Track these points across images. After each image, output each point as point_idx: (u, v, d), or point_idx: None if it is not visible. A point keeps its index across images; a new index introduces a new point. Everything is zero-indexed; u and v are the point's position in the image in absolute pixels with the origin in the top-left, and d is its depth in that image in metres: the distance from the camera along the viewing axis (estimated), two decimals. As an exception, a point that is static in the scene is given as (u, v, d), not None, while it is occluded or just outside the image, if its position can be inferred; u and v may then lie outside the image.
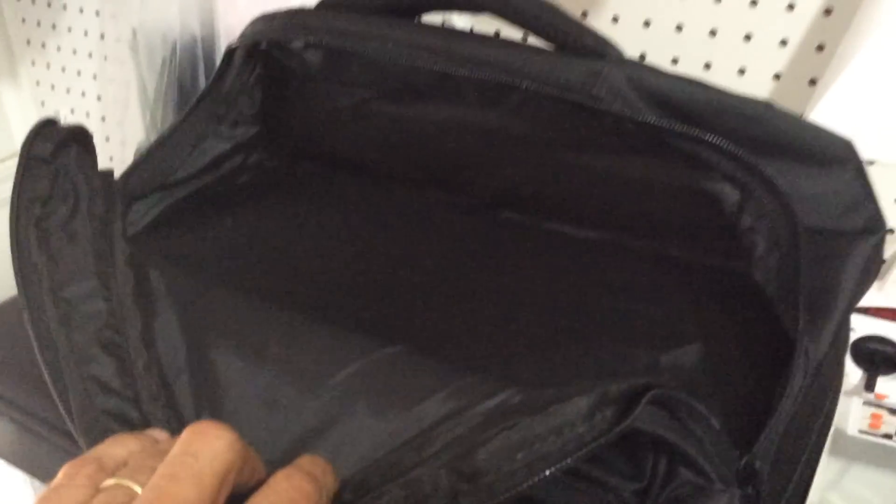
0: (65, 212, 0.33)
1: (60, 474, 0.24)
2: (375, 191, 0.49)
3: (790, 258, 0.32)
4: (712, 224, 0.36)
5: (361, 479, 0.26)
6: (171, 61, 0.72)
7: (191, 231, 0.46)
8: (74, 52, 0.97)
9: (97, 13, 0.92)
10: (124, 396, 0.29)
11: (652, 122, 0.34)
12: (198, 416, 0.31)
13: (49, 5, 0.95)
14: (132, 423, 0.29)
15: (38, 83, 1.03)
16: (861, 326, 0.56)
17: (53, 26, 0.97)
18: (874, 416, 0.60)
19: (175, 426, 0.30)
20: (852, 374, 0.57)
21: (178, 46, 0.71)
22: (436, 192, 0.48)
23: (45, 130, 0.35)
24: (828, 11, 0.57)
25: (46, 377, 0.30)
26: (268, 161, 0.52)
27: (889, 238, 0.37)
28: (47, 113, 1.05)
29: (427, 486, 0.22)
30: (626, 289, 0.39)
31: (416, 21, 0.44)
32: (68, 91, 1.01)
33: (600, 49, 0.36)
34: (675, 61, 0.65)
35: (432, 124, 0.45)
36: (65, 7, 0.94)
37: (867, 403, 0.60)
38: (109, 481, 0.23)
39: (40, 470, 0.34)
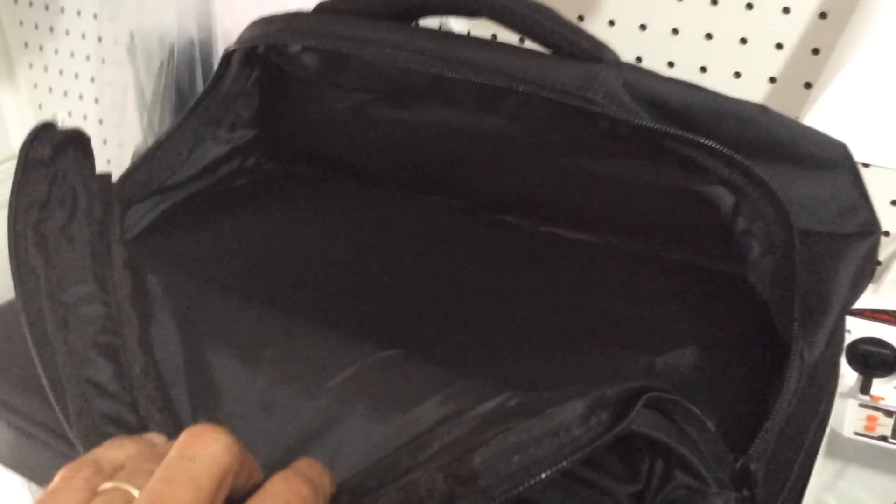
0: (63, 215, 0.33)
1: (57, 478, 0.24)
2: (372, 194, 0.49)
3: (785, 261, 0.32)
4: (708, 227, 0.37)
5: (358, 482, 0.26)
6: (168, 64, 0.72)
7: (188, 234, 0.46)
8: (72, 54, 0.97)
9: (95, 16, 0.92)
10: (122, 400, 0.30)
11: (647, 125, 0.34)
12: (195, 419, 0.31)
13: (47, 8, 0.95)
14: (129, 427, 0.29)
15: (35, 86, 1.03)
16: (856, 329, 0.56)
17: (51, 29, 0.97)
18: (870, 418, 0.60)
19: (172, 429, 0.30)
20: (848, 376, 0.58)
21: (175, 49, 0.72)
22: (432, 195, 0.48)
23: (44, 134, 0.35)
24: (823, 15, 0.57)
25: (44, 381, 0.30)
26: (265, 164, 0.52)
27: (884, 240, 0.37)
28: (45, 116, 1.05)
29: (423, 489, 0.22)
30: (622, 291, 0.39)
31: (413, 25, 0.44)
32: (66, 94, 1.01)
33: (596, 53, 0.36)
34: (671, 65, 0.65)
35: (429, 128, 0.45)
36: (62, 10, 0.94)
37: (863, 405, 0.60)
38: (107, 485, 0.23)
39: (37, 474, 0.34)
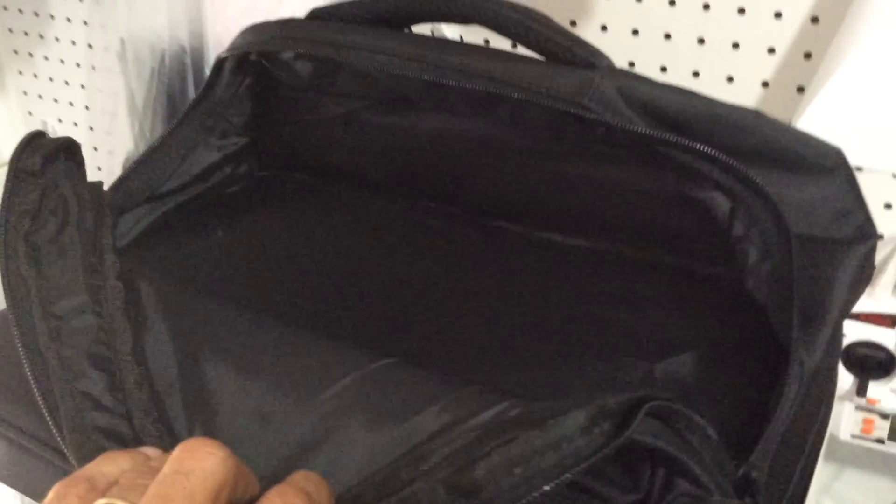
0: (54, 225, 0.33)
1: (51, 494, 0.23)
2: (366, 201, 0.49)
3: (782, 267, 0.32)
4: (704, 233, 0.36)
5: (357, 494, 0.25)
6: (159, 71, 0.72)
7: (180, 243, 0.45)
8: (62, 62, 0.96)
9: (85, 23, 0.91)
10: (116, 412, 0.29)
11: (642, 131, 0.34)
12: (190, 431, 0.31)
13: (36, 15, 0.95)
14: (124, 440, 0.29)
15: (25, 93, 1.03)
16: (852, 332, 0.56)
17: (41, 36, 0.96)
18: (866, 421, 0.60)
19: (167, 442, 0.30)
20: (844, 379, 0.58)
21: (166, 56, 0.71)
22: (426, 201, 0.48)
23: (34, 143, 0.34)
24: (815, 19, 0.57)
25: (36, 394, 0.29)
26: (257, 172, 0.52)
27: (878, 244, 0.37)
28: (35, 123, 1.05)
29: (424, 501, 0.22)
30: (618, 298, 0.39)
31: (406, 32, 0.44)
32: (56, 101, 1.01)
33: (590, 59, 0.36)
34: (663, 69, 0.65)
35: (423, 134, 0.45)
36: (52, 17, 0.94)
37: (859, 408, 0.60)
38: (101, 501, 0.23)
39: (31, 488, 0.34)
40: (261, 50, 0.43)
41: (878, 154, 0.50)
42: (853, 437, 0.61)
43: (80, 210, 0.34)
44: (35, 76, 1.00)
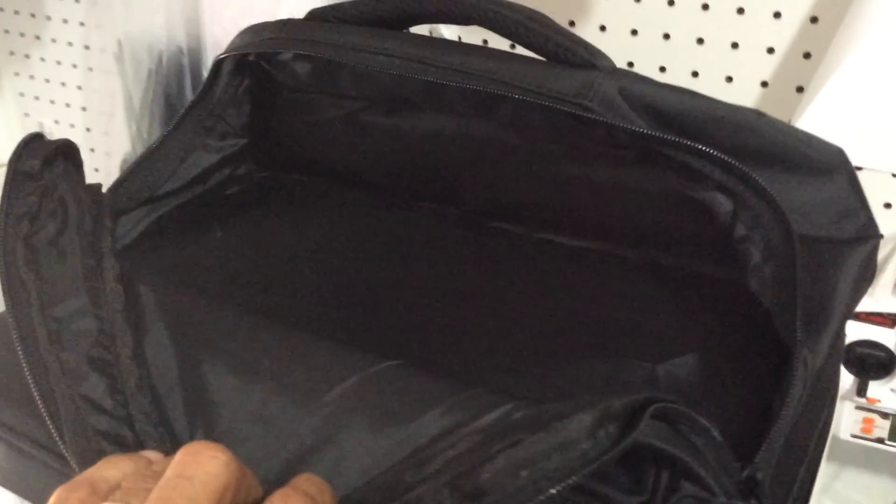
0: (53, 228, 0.33)
1: (53, 499, 0.23)
2: (366, 202, 0.49)
3: (786, 268, 0.32)
4: (706, 234, 0.36)
5: (360, 498, 0.25)
6: (157, 72, 0.72)
7: (179, 245, 0.45)
8: (59, 62, 0.96)
9: (81, 24, 0.91)
10: (117, 416, 0.29)
11: (644, 132, 0.34)
12: (191, 434, 0.30)
13: (33, 16, 0.94)
14: (125, 443, 0.28)
15: (21, 94, 1.02)
16: (852, 331, 0.56)
17: (37, 37, 0.96)
18: (866, 421, 0.60)
19: (168, 445, 0.29)
20: (844, 378, 0.58)
21: (164, 57, 0.71)
22: (426, 203, 0.47)
23: (33, 145, 0.34)
24: (814, 19, 0.57)
25: (37, 397, 0.29)
26: (256, 173, 0.52)
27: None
28: (31, 124, 1.05)
29: (429, 505, 0.22)
30: (620, 299, 0.39)
31: (405, 32, 0.44)
32: (52, 102, 1.00)
33: (591, 59, 0.36)
34: (662, 69, 0.65)
35: (423, 135, 0.45)
36: (49, 18, 0.93)
37: (859, 408, 0.60)
38: (103, 506, 0.23)
39: (31, 492, 0.34)
40: (260, 51, 0.43)
41: (877, 154, 0.50)
42: (853, 436, 0.61)
43: (79, 212, 0.34)
44: (31, 77, 1.00)
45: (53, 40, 0.95)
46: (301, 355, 0.34)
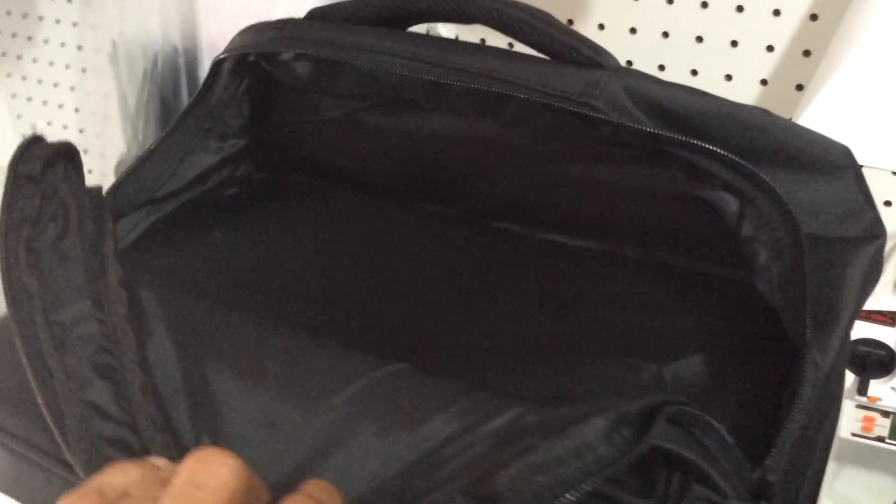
0: (54, 231, 0.32)
1: (60, 507, 0.23)
2: (367, 203, 0.48)
3: (794, 268, 0.32)
4: (712, 233, 0.36)
5: (372, 503, 0.25)
6: (152, 73, 0.71)
7: (180, 246, 0.45)
8: (51, 63, 0.95)
9: (74, 24, 0.90)
10: (122, 422, 0.29)
11: (650, 131, 0.34)
12: (197, 440, 0.30)
13: (25, 17, 0.94)
14: (131, 450, 0.28)
15: (14, 96, 1.02)
16: (852, 330, 0.56)
17: (29, 38, 0.95)
18: (867, 419, 0.60)
19: (174, 451, 0.29)
20: (844, 377, 0.58)
21: (159, 58, 0.70)
22: (429, 204, 0.47)
23: (33, 148, 0.34)
24: (814, 17, 0.57)
25: (41, 404, 0.29)
26: (256, 174, 0.51)
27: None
28: (24, 126, 1.04)
29: (443, 511, 0.22)
30: (626, 300, 0.39)
31: (406, 31, 0.43)
32: (45, 103, 0.99)
33: (597, 58, 0.36)
34: (661, 68, 0.65)
35: (425, 135, 0.45)
36: (41, 18, 0.92)
37: (860, 406, 0.60)
38: (112, 513, 0.23)
39: (34, 499, 0.33)
40: (260, 51, 0.42)
41: (878, 152, 0.50)
42: (853, 435, 0.61)
43: (80, 215, 0.33)
44: (24, 79, 0.99)
45: (46, 41, 0.94)
46: (306, 359, 0.33)
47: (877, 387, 0.58)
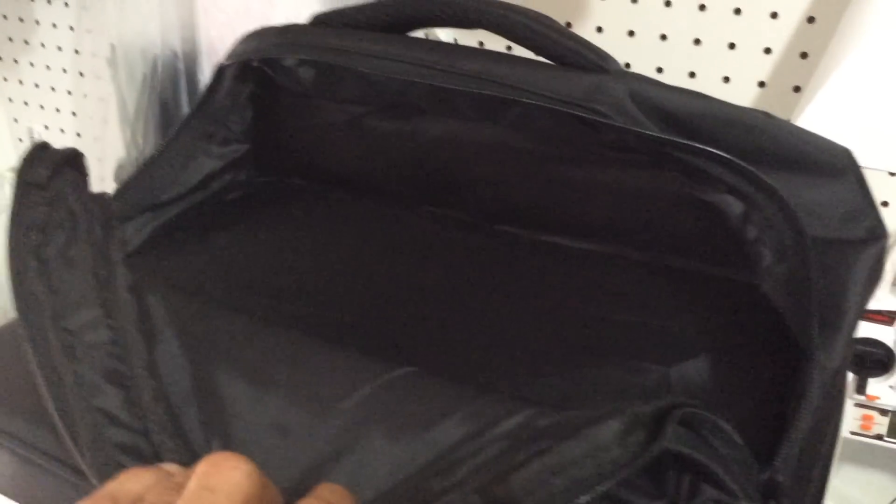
0: (62, 238, 0.32)
1: (77, 514, 0.23)
2: (369, 207, 0.48)
3: (799, 270, 0.32)
4: (716, 236, 0.36)
5: (386, 506, 0.25)
6: (151, 77, 0.71)
7: (183, 251, 0.45)
8: (48, 67, 0.95)
9: (71, 28, 0.90)
10: (133, 428, 0.29)
11: (655, 135, 0.34)
12: (208, 445, 0.30)
13: (21, 21, 0.93)
14: (143, 456, 0.28)
15: (10, 100, 1.02)
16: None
17: (26, 42, 0.95)
18: (865, 418, 0.61)
19: (186, 457, 0.29)
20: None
21: (158, 62, 0.71)
22: (432, 207, 0.47)
23: (40, 155, 0.34)
24: (811, 19, 0.58)
25: (53, 411, 0.29)
26: (258, 178, 0.51)
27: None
28: (20, 130, 1.04)
29: (459, 514, 0.22)
30: (631, 302, 0.39)
31: (409, 37, 0.44)
32: (42, 107, 0.99)
33: (600, 63, 0.36)
34: (659, 70, 0.65)
35: (428, 139, 0.45)
36: (38, 23, 0.92)
37: (858, 405, 0.61)
38: (127, 519, 0.23)
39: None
40: (264, 56, 0.43)
41: (876, 153, 0.51)
42: (852, 433, 0.62)
43: (88, 222, 0.33)
44: (20, 83, 0.99)
45: (42, 45, 0.94)
46: (314, 363, 0.34)
47: (875, 385, 0.58)
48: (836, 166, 0.35)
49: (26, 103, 1.00)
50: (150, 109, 0.72)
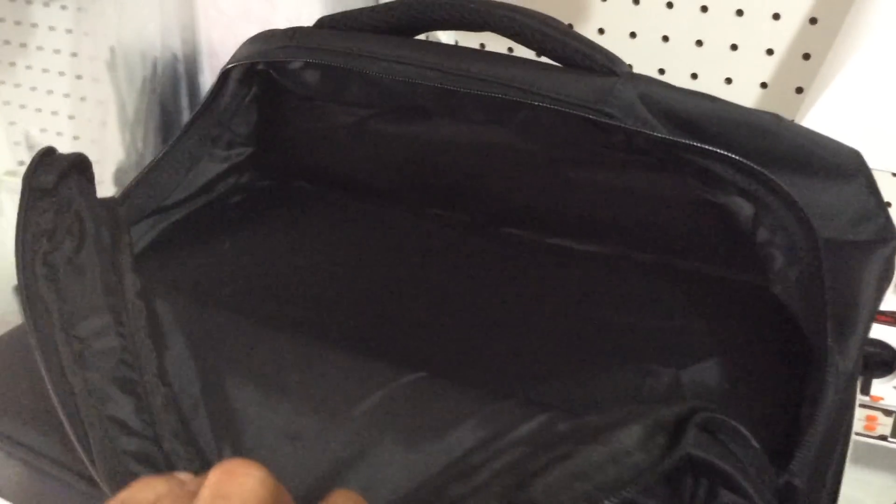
0: (71, 244, 0.32)
1: (92, 524, 0.23)
2: (375, 209, 0.48)
3: (812, 272, 0.32)
4: (727, 238, 0.36)
5: (402, 513, 0.25)
6: (151, 80, 0.71)
7: (188, 255, 0.44)
8: (45, 70, 0.95)
9: (69, 31, 0.90)
10: (145, 436, 0.28)
11: (666, 138, 0.34)
12: (219, 452, 0.30)
13: (18, 24, 0.93)
14: (155, 464, 0.28)
15: (7, 103, 1.01)
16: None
17: (23, 45, 0.94)
18: (869, 419, 0.61)
19: (198, 464, 0.29)
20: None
21: (158, 65, 0.70)
22: (438, 210, 0.47)
23: (46, 160, 0.33)
24: (813, 20, 0.58)
25: (63, 420, 0.29)
26: (263, 182, 0.51)
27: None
28: (17, 133, 1.03)
29: (480, 520, 0.22)
30: (640, 304, 0.39)
31: (416, 39, 0.43)
32: (39, 111, 0.99)
33: (610, 65, 0.36)
34: (661, 72, 0.65)
35: (434, 142, 0.45)
36: (35, 25, 0.92)
37: (862, 405, 0.61)
38: (142, 528, 0.22)
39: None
40: (270, 59, 0.42)
41: (881, 154, 0.51)
42: (856, 434, 0.62)
43: (95, 228, 0.33)
44: (17, 86, 0.98)
45: (40, 48, 0.93)
46: (323, 368, 0.33)
47: (879, 386, 0.58)
48: (846, 168, 0.35)
49: (23, 106, 1.00)
50: (150, 112, 0.72)
